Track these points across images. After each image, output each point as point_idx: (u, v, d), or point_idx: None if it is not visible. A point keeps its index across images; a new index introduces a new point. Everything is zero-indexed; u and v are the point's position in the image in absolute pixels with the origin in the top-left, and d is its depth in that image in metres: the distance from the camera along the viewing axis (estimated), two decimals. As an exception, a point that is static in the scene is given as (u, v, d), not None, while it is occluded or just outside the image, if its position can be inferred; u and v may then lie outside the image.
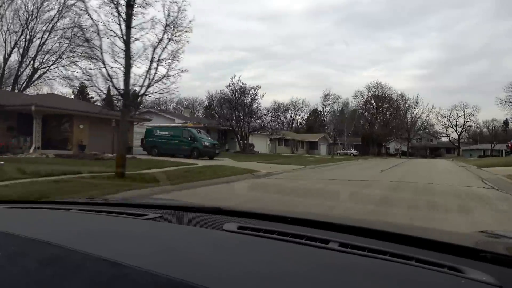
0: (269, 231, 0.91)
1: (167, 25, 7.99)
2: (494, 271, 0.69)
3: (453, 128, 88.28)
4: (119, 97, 8.08)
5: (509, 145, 42.07)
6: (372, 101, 59.20)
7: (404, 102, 66.24)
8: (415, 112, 71.00)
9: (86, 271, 0.68)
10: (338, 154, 47.61)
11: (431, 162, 30.98)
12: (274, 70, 75.96)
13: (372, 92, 57.42)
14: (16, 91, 19.66)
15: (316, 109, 60.36)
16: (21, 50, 21.85)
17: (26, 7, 19.67)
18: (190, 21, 8.37)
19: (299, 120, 71.32)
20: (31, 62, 21.57)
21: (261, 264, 0.71)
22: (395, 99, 62.71)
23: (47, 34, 20.86)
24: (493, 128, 78.42)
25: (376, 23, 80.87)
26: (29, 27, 20.74)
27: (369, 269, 0.70)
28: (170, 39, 8.15)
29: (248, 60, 77.21)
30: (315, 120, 66.82)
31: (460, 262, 0.72)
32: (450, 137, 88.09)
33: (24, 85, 21.56)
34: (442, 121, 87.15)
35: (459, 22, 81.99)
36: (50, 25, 20.45)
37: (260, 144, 33.39)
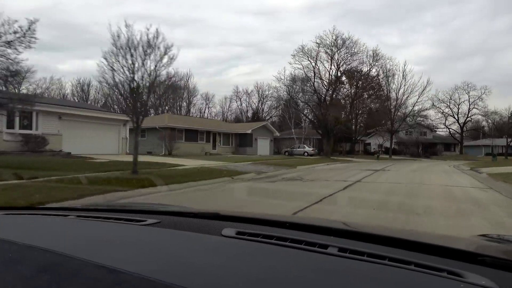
0: (267, 236, 1.01)
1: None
2: (493, 275, 0.77)
3: (454, 117, 73.98)
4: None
5: None
6: (343, 78, 45.86)
7: (385, 71, 48.17)
8: (402, 89, 52.71)
9: (84, 277, 0.75)
10: (286, 153, 37.73)
11: (421, 166, 23.90)
12: (270, 65, 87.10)
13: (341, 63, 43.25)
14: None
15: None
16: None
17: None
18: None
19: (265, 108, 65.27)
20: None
21: (260, 269, 0.80)
22: (376, 74, 46.98)
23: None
24: (493, 122, 63.29)
25: (373, 20, 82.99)
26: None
27: (368, 274, 0.78)
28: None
29: (244, 55, 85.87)
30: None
31: (459, 266, 0.81)
32: (451, 129, 73.88)
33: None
34: (440, 108, 71.43)
35: (454, 19, 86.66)
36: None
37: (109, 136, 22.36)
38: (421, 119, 48.28)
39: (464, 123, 61.72)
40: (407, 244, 0.97)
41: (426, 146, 51.43)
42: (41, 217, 1.47)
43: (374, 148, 54.11)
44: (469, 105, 60.63)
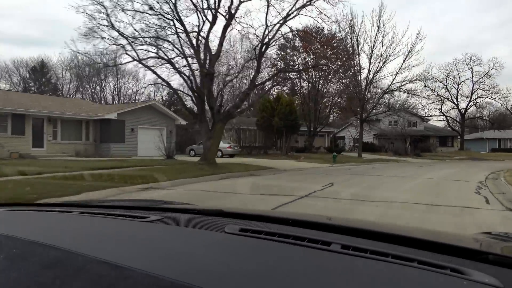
0: (270, 233, 1.07)
1: None
2: (497, 273, 0.81)
3: (452, 101, 54.23)
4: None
5: None
6: (297, 41, 32.69)
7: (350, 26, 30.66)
8: (377, 48, 33.45)
9: (88, 273, 0.81)
10: (192, 152, 26.49)
11: (405, 181, 12.80)
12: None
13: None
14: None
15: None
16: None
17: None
18: None
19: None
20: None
21: (263, 266, 0.86)
22: (343, 34, 30.03)
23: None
24: (482, 117, 51.92)
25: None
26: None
27: (371, 271, 0.84)
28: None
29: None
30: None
31: (463, 264, 0.85)
32: (448, 117, 55.51)
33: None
34: (433, 89, 52.97)
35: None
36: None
37: None
38: (408, 99, 33.21)
39: (466, 109, 45.35)
40: (411, 242, 1.03)
41: (415, 140, 41.86)
42: (45, 213, 1.61)
43: (344, 144, 38.82)
44: (473, 84, 44.74)
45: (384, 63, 30.73)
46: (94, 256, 0.84)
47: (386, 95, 33.40)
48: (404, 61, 30.54)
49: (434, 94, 49.49)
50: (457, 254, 0.93)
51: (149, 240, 1.07)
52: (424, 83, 46.66)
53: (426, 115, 49.33)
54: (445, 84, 49.49)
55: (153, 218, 1.30)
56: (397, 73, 31.12)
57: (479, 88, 48.26)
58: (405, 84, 31.85)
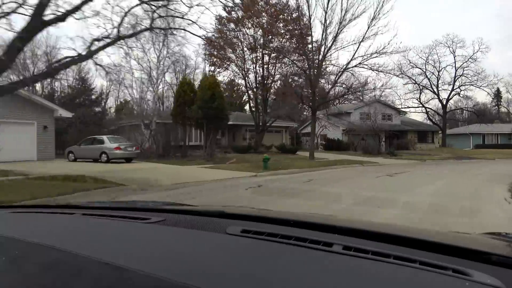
0: (272, 234, 1.08)
1: None
2: (499, 274, 0.82)
3: (432, 90, 46.45)
4: None
5: None
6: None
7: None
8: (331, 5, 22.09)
9: (89, 275, 0.83)
10: (71, 155, 19.39)
11: None
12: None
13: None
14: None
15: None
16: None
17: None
18: None
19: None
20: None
21: (265, 267, 0.88)
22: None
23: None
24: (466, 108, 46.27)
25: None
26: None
27: (373, 272, 0.85)
28: None
29: None
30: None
31: (465, 265, 0.86)
32: (429, 109, 47.94)
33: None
34: (410, 76, 45.50)
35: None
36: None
37: None
38: (381, 87, 26.46)
39: (448, 99, 39.11)
40: (412, 242, 1.03)
41: (391, 135, 36.04)
42: (46, 215, 1.63)
43: (307, 141, 32.41)
44: (455, 70, 38.51)
45: (341, 29, 21.26)
46: (95, 258, 0.85)
47: (346, 75, 23.94)
48: (369, 27, 21.31)
49: (412, 83, 43.67)
50: (459, 255, 0.93)
51: (150, 241, 1.08)
52: (400, 71, 40.78)
53: (402, 106, 43.35)
54: (424, 70, 43.36)
55: (155, 219, 1.30)
56: (360, 43, 21.41)
57: (462, 75, 42.71)
58: (368, 59, 21.42)
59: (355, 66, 22.40)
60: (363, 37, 21.68)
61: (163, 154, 20.27)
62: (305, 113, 36.23)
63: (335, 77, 23.26)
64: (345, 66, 22.82)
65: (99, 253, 0.89)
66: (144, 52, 21.90)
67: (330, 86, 24.45)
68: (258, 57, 28.63)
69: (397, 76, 20.65)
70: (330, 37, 22.25)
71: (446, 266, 0.82)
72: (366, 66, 22.23)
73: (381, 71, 21.75)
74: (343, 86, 23.22)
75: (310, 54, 22.41)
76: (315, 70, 22.42)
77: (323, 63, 23.24)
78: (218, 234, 1.13)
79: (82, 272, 0.81)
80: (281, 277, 0.78)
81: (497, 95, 68.91)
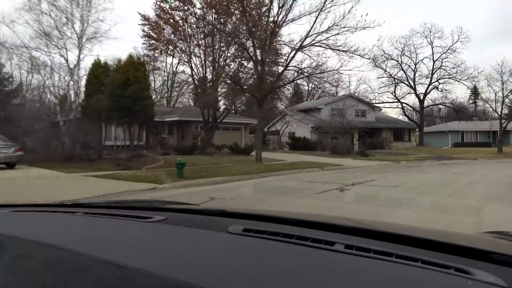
0: (274, 233, 1.07)
1: None
2: (502, 272, 0.81)
3: (408, 84, 42.21)
4: None
5: None
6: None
7: None
8: None
9: (91, 273, 0.82)
10: None
11: None
12: None
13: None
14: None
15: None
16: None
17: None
18: None
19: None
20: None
21: (266, 266, 0.87)
22: None
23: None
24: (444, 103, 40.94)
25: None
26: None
27: (375, 271, 0.84)
28: None
29: None
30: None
31: (467, 264, 0.85)
32: (405, 104, 44.15)
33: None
34: (385, 69, 41.95)
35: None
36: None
37: None
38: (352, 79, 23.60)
39: (425, 93, 36.01)
40: (414, 241, 1.02)
41: (364, 133, 32.80)
42: (48, 214, 1.62)
43: (269, 140, 28.92)
44: (433, 63, 35.45)
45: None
46: (97, 256, 0.85)
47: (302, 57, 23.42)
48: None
49: (387, 76, 40.45)
50: (461, 254, 0.92)
51: (152, 240, 1.08)
52: (374, 62, 37.30)
53: (376, 101, 40.11)
54: (400, 62, 39.65)
55: (157, 218, 1.29)
56: (318, 13, 16.15)
57: (440, 67, 39.40)
58: (323, 33, 16.48)
59: (311, 44, 17.20)
60: (322, 7, 16.22)
61: (69, 157, 15.42)
62: (280, 106, 32.24)
63: (286, 59, 18.05)
64: (299, 44, 17.48)
65: (101, 251, 0.90)
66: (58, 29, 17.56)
67: (280, 70, 19.01)
68: (207, 42, 24.04)
69: (362, 57, 16.52)
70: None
71: (449, 265, 0.81)
72: (324, 45, 16.99)
73: (343, 50, 16.57)
74: (295, 68, 17.98)
75: (255, 29, 17.21)
76: (262, 49, 17.37)
77: (273, 41, 18.22)
78: (219, 233, 1.12)
79: (84, 270, 0.81)
80: (283, 276, 0.78)
81: (475, 92, 67.20)
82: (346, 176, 13.32)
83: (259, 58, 17.82)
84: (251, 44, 18.16)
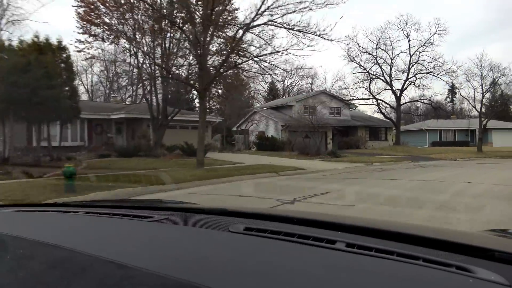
0: (275, 232, 1.07)
1: None
2: (503, 270, 0.81)
3: (384, 80, 39.13)
4: None
5: None
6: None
7: None
8: None
9: (93, 273, 0.82)
10: None
11: None
12: None
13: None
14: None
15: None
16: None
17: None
18: None
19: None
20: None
21: (268, 265, 0.86)
22: None
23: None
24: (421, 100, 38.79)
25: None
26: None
27: (376, 269, 0.84)
28: None
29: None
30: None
31: (468, 262, 0.86)
32: (380, 102, 40.24)
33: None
34: (359, 64, 38.39)
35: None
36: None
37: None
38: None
39: (402, 89, 33.95)
40: (415, 239, 1.02)
41: (339, 132, 31.07)
42: (51, 213, 1.62)
43: (235, 140, 26.66)
44: (410, 57, 33.48)
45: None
46: (99, 256, 0.85)
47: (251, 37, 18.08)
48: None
49: (362, 71, 37.58)
50: (462, 252, 0.92)
51: (154, 239, 1.07)
52: (350, 57, 34.99)
53: (351, 97, 37.83)
54: (375, 56, 36.97)
55: (158, 217, 1.30)
56: None
57: (417, 62, 37.04)
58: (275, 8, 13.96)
59: (264, 24, 13.96)
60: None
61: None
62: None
63: (232, 42, 14.69)
64: (249, 22, 14.04)
65: (103, 251, 0.89)
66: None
67: (225, 56, 15.50)
68: (155, 27, 19.86)
69: (321, 37, 13.58)
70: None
71: (450, 263, 0.81)
72: (277, 23, 13.85)
73: (298, 30, 13.58)
74: (241, 51, 14.87)
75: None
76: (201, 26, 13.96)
77: (214, 18, 14.48)
78: (221, 232, 1.11)
79: (86, 270, 0.81)
80: (285, 274, 0.78)
81: (452, 90, 66.33)
82: (299, 186, 10.78)
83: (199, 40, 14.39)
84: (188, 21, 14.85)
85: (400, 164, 20.03)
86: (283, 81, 60.46)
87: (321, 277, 0.76)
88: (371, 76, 37.85)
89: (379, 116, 38.54)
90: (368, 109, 39.00)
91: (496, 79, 30.47)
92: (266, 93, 62.06)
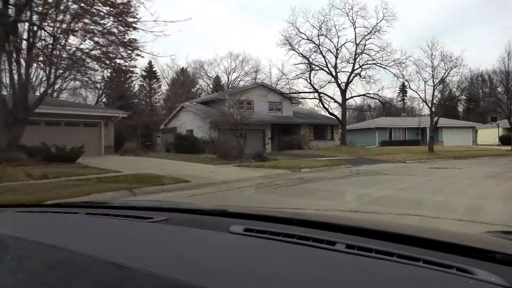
0: (275, 233, 1.07)
1: None
2: (503, 272, 0.82)
3: (328, 71, 34.68)
4: None
5: None
6: None
7: None
8: None
9: (93, 274, 0.83)
10: None
11: None
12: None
13: None
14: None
15: None
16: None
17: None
18: None
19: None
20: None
21: (268, 266, 0.87)
22: None
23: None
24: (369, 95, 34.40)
25: None
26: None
27: (376, 271, 0.84)
28: None
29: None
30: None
31: (469, 263, 0.85)
32: (323, 95, 34.78)
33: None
34: (298, 51, 33.82)
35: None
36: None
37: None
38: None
39: (348, 82, 30.02)
40: (415, 241, 1.02)
41: (280, 131, 28.82)
42: (51, 214, 1.61)
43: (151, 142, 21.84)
44: (356, 46, 29.87)
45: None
46: (99, 257, 0.85)
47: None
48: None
49: (303, 63, 32.67)
50: (463, 253, 0.92)
51: (154, 240, 1.07)
52: (288, 41, 30.53)
53: (290, 90, 32.58)
54: (318, 43, 32.17)
55: (158, 218, 1.30)
56: None
57: (363, 52, 32.66)
58: None
59: None
60: None
61: None
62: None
63: None
64: None
65: (102, 252, 0.90)
66: None
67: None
68: None
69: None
70: None
71: (450, 265, 0.81)
72: None
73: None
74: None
75: None
76: None
77: None
78: (221, 233, 1.11)
79: (86, 271, 0.81)
80: (284, 276, 0.78)
81: (403, 89, 65.03)
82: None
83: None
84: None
85: (335, 170, 15.56)
86: (228, 75, 55.91)
87: (321, 278, 0.76)
88: (311, 65, 32.77)
89: (322, 111, 34.54)
90: (316, 105, 35.31)
91: (449, 70, 27.94)
92: (210, 89, 57.35)
